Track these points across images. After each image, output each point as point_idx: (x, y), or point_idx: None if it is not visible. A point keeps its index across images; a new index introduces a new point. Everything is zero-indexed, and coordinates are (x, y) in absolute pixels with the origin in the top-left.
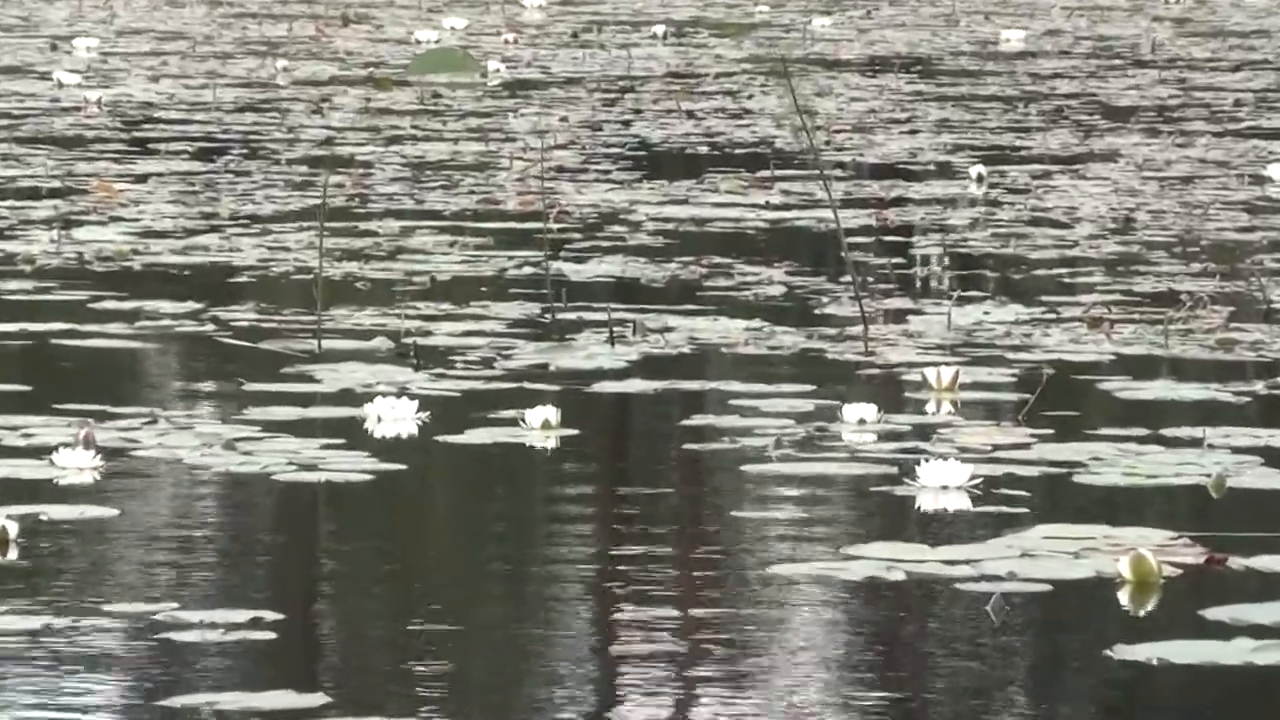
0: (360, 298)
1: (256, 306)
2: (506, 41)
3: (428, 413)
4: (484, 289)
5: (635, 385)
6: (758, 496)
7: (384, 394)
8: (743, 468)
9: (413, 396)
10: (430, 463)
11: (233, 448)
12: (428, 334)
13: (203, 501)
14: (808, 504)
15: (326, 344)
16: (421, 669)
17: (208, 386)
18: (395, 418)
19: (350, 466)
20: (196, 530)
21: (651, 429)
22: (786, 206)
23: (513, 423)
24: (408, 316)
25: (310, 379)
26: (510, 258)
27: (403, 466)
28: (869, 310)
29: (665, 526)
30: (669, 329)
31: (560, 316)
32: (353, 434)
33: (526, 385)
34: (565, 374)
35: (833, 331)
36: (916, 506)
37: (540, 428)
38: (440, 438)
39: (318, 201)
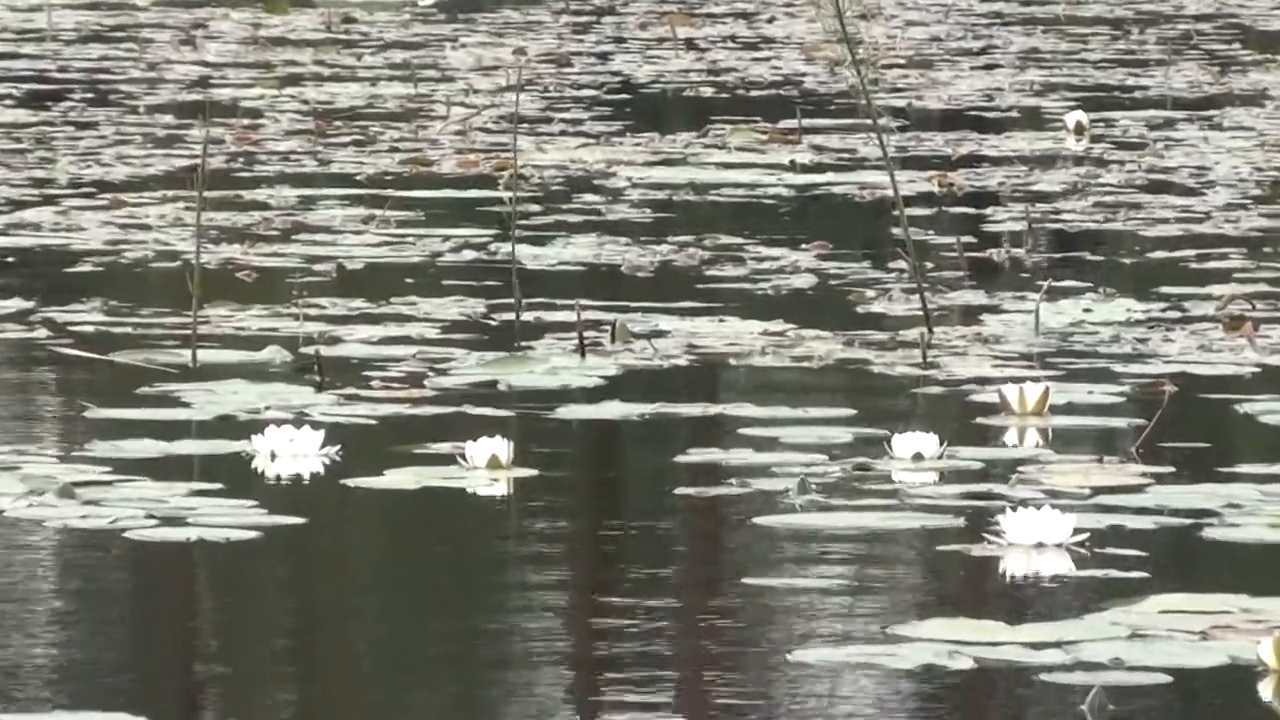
0: (246, 293)
1: (105, 305)
2: None
3: (335, 447)
4: (410, 280)
5: (614, 409)
6: (778, 558)
7: (277, 422)
8: (757, 520)
9: (315, 425)
10: (339, 516)
11: (71, 495)
12: (334, 341)
13: (27, 570)
14: (845, 568)
15: (202, 355)
16: None
17: (39, 412)
18: (292, 454)
19: (231, 520)
20: (21, 610)
21: (636, 468)
22: (819, 167)
23: (450, 460)
24: (308, 318)
25: (178, 402)
26: (446, 238)
27: (301, 520)
28: (930, 307)
29: (655, 600)
30: (659, 334)
31: (513, 317)
32: (236, 476)
33: (468, 410)
34: (520, 394)
35: (881, 336)
36: (990, 571)
37: (486, 467)
38: (352, 482)
39: (189, 163)
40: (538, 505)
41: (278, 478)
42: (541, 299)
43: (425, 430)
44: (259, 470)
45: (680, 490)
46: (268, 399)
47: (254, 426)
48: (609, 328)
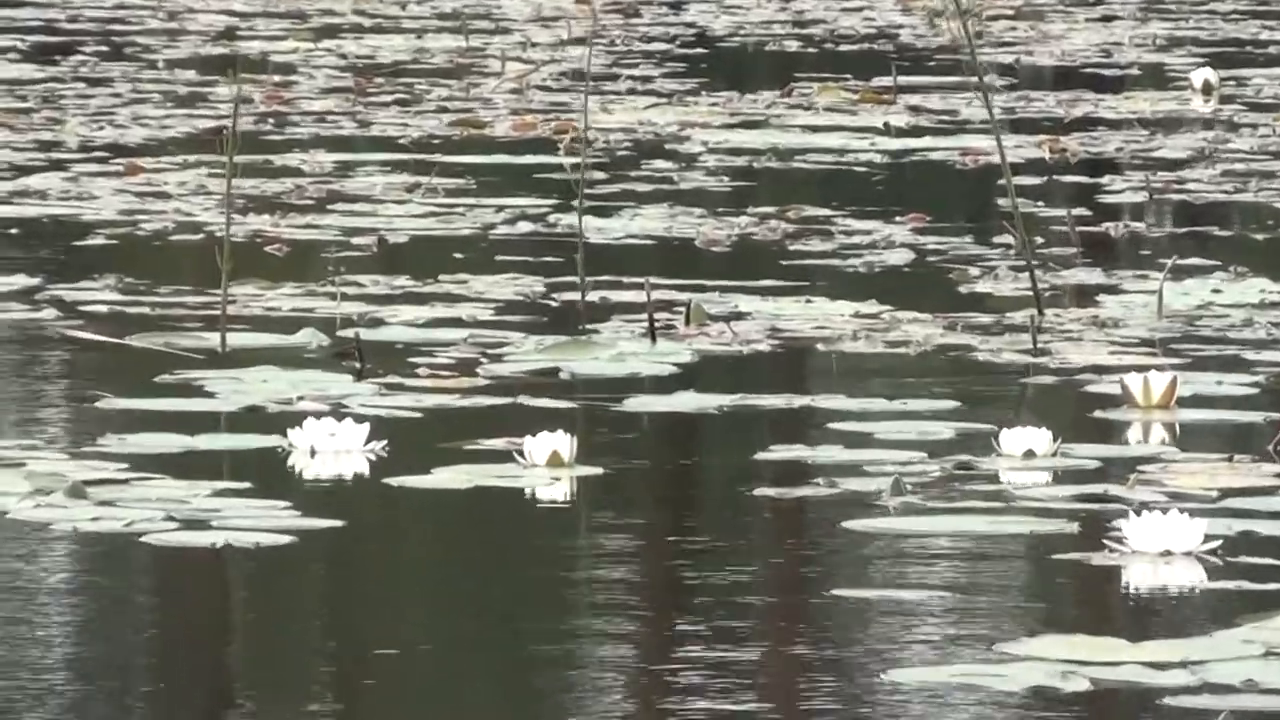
0: (276, 270)
1: (120, 282)
2: None
3: (381, 443)
4: (460, 256)
5: (688, 401)
6: (870, 567)
7: (316, 414)
8: (848, 524)
9: (357, 419)
10: (381, 520)
11: (81, 495)
12: (376, 323)
13: (31, 581)
14: (945, 578)
15: (231, 339)
16: None
17: (46, 402)
18: (334, 450)
19: (262, 524)
20: (27, 628)
21: (713, 466)
22: (915, 131)
23: (506, 457)
24: (346, 297)
25: (202, 392)
26: (500, 209)
27: (340, 524)
28: (1041, 287)
29: (733, 614)
30: (738, 316)
31: (576, 297)
32: (266, 474)
33: (525, 401)
34: (584, 384)
35: (986, 319)
36: (1109, 582)
37: (546, 465)
38: (395, 481)
39: (214, 125)
40: (603, 508)
41: (313, 479)
42: (607, 277)
43: (478, 424)
44: (293, 468)
45: (761, 491)
46: (301, 388)
47: (286, 419)
48: (682, 309)
